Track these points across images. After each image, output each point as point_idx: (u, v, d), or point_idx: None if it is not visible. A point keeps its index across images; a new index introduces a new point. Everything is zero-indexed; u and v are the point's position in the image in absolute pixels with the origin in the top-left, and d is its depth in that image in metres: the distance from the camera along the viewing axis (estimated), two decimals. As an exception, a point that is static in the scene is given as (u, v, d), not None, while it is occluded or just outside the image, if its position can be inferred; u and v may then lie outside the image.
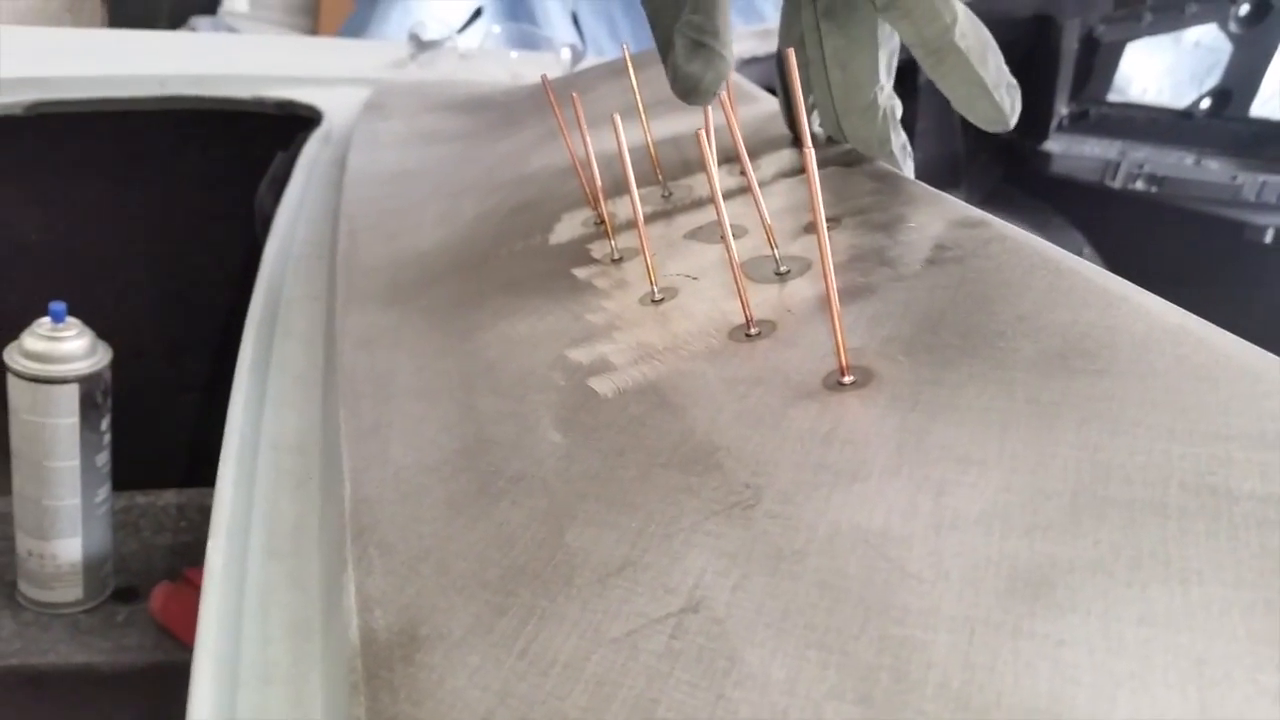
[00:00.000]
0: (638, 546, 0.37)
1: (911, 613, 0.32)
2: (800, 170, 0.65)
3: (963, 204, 0.55)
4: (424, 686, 0.33)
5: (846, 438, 0.40)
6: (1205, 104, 1.69)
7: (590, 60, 1.60)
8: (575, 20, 2.59)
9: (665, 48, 0.58)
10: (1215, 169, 1.61)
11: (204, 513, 1.43)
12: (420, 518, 0.41)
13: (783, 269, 0.53)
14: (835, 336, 0.43)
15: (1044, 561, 0.32)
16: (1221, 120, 1.67)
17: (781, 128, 0.72)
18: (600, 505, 0.40)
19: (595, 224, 0.67)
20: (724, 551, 0.36)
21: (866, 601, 0.33)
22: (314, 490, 0.51)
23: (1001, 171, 1.68)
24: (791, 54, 0.54)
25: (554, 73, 0.78)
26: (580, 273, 0.60)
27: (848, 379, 0.43)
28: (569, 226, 0.68)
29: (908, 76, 1.45)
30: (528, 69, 1.48)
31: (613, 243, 0.62)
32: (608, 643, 0.34)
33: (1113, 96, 1.70)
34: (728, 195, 0.62)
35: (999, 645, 0.30)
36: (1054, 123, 1.62)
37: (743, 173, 0.65)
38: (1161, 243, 1.63)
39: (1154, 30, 1.61)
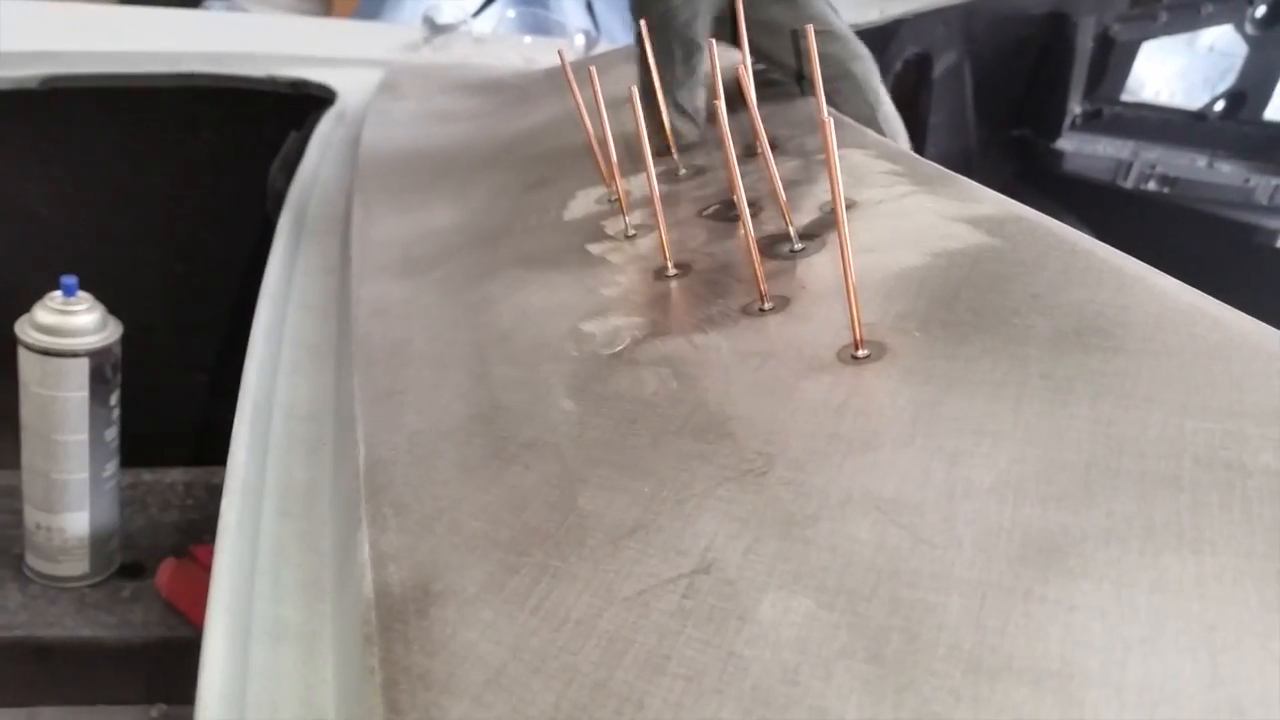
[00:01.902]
0: (650, 510, 0.38)
1: (923, 577, 0.32)
2: (813, 153, 0.65)
3: (978, 186, 0.55)
4: (437, 639, 0.33)
5: (859, 409, 0.40)
6: (1219, 106, 1.68)
7: (603, 48, 1.60)
8: (589, 7, 2.60)
9: (664, 92, 0.70)
10: (1228, 172, 1.61)
11: (211, 490, 1.43)
12: (434, 479, 0.42)
13: (797, 246, 0.53)
14: (850, 310, 0.43)
15: (1056, 530, 0.32)
16: (1235, 123, 1.67)
17: (797, 112, 0.72)
18: (612, 470, 0.40)
19: (609, 201, 0.67)
20: (736, 516, 0.36)
21: (878, 565, 0.33)
22: (326, 456, 0.51)
23: (1013, 168, 1.68)
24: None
25: (569, 58, 0.78)
26: (594, 248, 0.61)
27: (861, 352, 0.43)
28: (583, 204, 0.68)
29: (922, 69, 1.45)
30: (541, 54, 1.48)
31: (626, 219, 0.62)
32: (620, 601, 0.34)
33: (1126, 97, 1.70)
34: (742, 175, 0.62)
35: (1010, 609, 0.30)
36: (1067, 121, 1.62)
37: (759, 153, 0.65)
38: (1172, 244, 1.63)
39: (1170, 30, 1.61)
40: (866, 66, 0.74)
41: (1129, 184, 1.61)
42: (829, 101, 0.61)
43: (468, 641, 0.33)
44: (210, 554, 1.23)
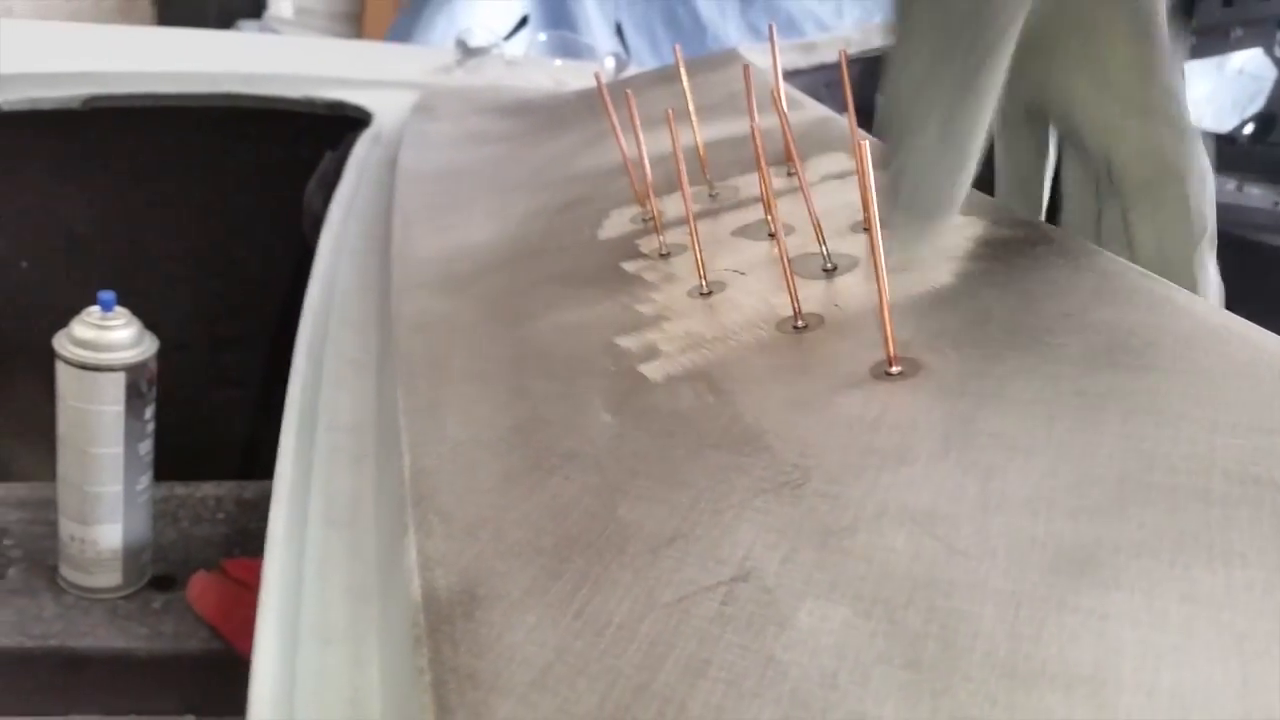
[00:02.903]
0: (688, 520, 0.39)
1: (959, 586, 0.33)
2: (845, 174, 0.66)
3: (1009, 208, 0.56)
4: (484, 640, 0.34)
5: (894, 424, 0.41)
6: (1248, 130, 1.68)
7: (632, 71, 1.62)
8: (619, 31, 2.63)
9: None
10: (1257, 195, 1.60)
11: (242, 505, 1.45)
12: (476, 488, 0.43)
13: (830, 265, 0.54)
14: (884, 327, 0.44)
15: (1089, 542, 0.33)
16: (1265, 146, 1.66)
17: (826, 132, 0.73)
18: (651, 482, 0.41)
19: (643, 220, 0.68)
20: (773, 526, 0.37)
21: (914, 575, 0.34)
22: (369, 466, 0.52)
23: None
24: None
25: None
26: (629, 266, 0.62)
27: (895, 369, 0.44)
28: (617, 223, 0.69)
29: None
30: (571, 77, 1.50)
31: (661, 238, 0.63)
32: (660, 607, 0.35)
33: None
34: (775, 195, 0.63)
35: (1044, 618, 0.31)
36: (1095, 144, 1.62)
37: (790, 173, 0.66)
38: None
39: (1198, 54, 1.61)
40: (1199, 184, 0.52)
41: (1157, 207, 1.61)
42: (1124, 218, 0.50)
43: (513, 643, 0.34)
44: (240, 568, 1.25)
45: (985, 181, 0.59)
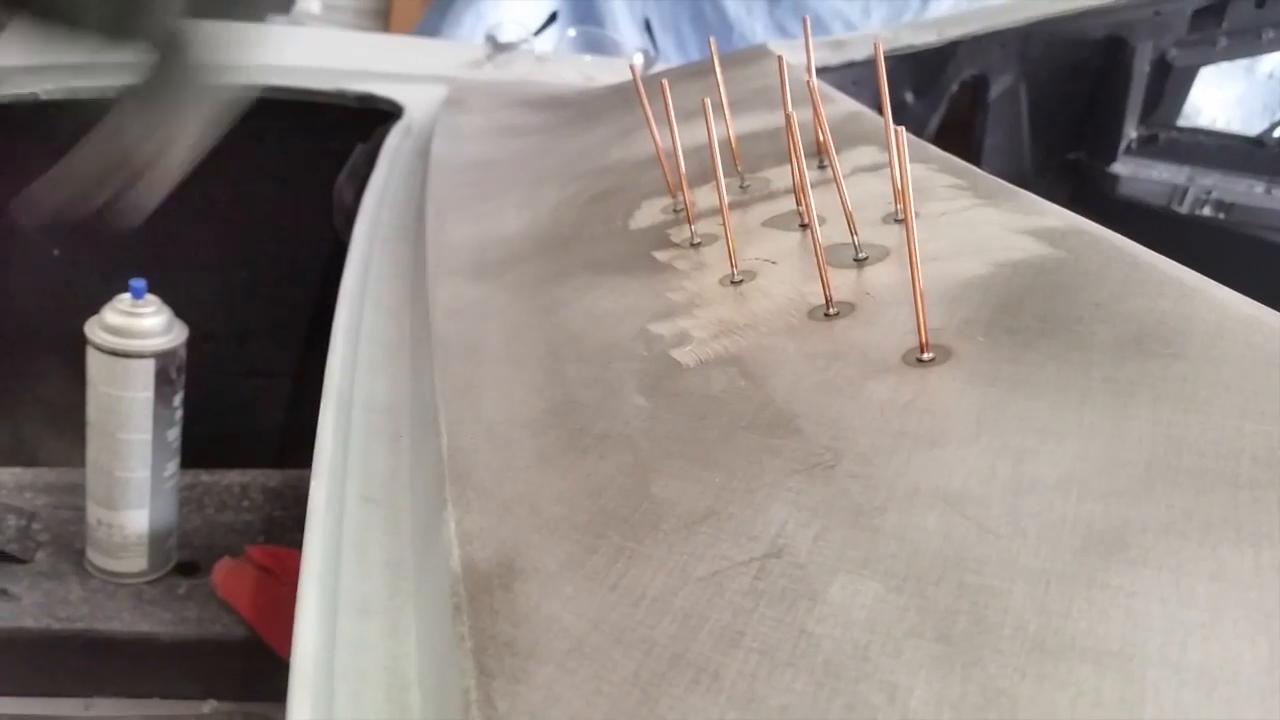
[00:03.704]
0: (721, 498, 0.39)
1: (989, 564, 0.33)
2: (876, 167, 0.66)
3: (1040, 199, 0.56)
4: (522, 610, 0.35)
5: (925, 408, 0.41)
6: (1278, 132, 1.68)
7: (660, 67, 1.63)
8: (647, 27, 2.64)
9: None
10: (1287, 198, 1.60)
11: (267, 493, 1.46)
12: (513, 466, 0.44)
13: (861, 255, 0.55)
14: (917, 313, 0.44)
15: (1118, 522, 0.34)
16: (1295, 149, 1.66)
17: (858, 126, 0.74)
18: (684, 461, 0.42)
19: (674, 211, 0.69)
20: (805, 505, 0.38)
21: (945, 553, 0.34)
22: (404, 446, 0.53)
23: (1068, 191, 1.68)
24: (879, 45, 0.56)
25: (628, 76, 0.81)
26: (660, 255, 0.63)
27: (927, 355, 0.44)
28: (648, 213, 0.70)
29: (979, 91, 1.46)
30: (600, 72, 1.51)
31: (692, 228, 0.64)
32: (694, 581, 0.35)
33: (1182, 122, 1.69)
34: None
35: (1074, 595, 0.31)
36: (1123, 145, 1.62)
37: (822, 165, 0.67)
38: (1228, 269, 1.61)
39: (1229, 55, 1.60)
40: None
41: (1184, 209, 1.61)
42: None
43: (550, 613, 0.35)
44: (265, 555, 1.26)
45: (1009, 179, 0.60)
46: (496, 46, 1.60)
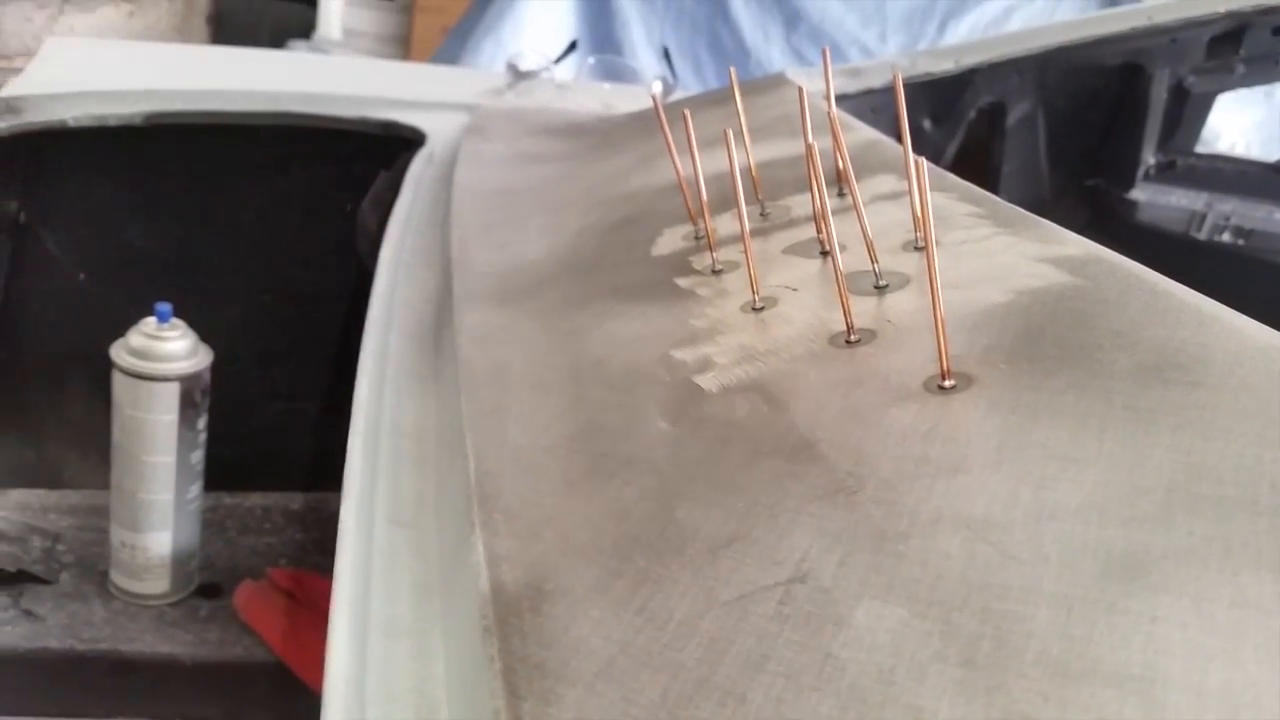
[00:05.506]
0: (745, 523, 0.40)
1: (1012, 590, 0.34)
2: (895, 195, 0.67)
3: (1060, 228, 0.57)
4: (551, 633, 0.35)
5: (947, 435, 0.42)
6: (1296, 159, 1.67)
7: (678, 95, 1.64)
8: (666, 55, 2.66)
9: None
10: (1307, 224, 1.60)
11: (289, 516, 1.47)
12: (539, 490, 0.44)
13: (882, 282, 0.56)
14: (939, 341, 0.45)
15: (1139, 549, 0.34)
16: (1314, 176, 1.65)
17: (877, 155, 0.75)
18: (708, 487, 0.43)
19: (696, 238, 0.69)
20: (828, 531, 0.38)
21: (968, 579, 0.35)
22: (430, 470, 0.54)
23: (1086, 218, 1.68)
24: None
25: (647, 104, 0.82)
26: (682, 282, 0.63)
27: (948, 382, 0.45)
28: (670, 240, 0.71)
29: (996, 118, 1.47)
30: (620, 100, 1.52)
31: (713, 255, 0.64)
32: (719, 605, 0.36)
33: (1200, 149, 1.70)
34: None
35: (1095, 620, 0.32)
36: (1140, 171, 1.62)
37: (842, 193, 0.67)
38: (1246, 296, 1.61)
39: (1246, 82, 1.61)
40: None
41: (1203, 235, 1.61)
42: None
43: (579, 636, 0.35)
44: (286, 578, 1.27)
45: (1028, 206, 0.60)
46: (517, 74, 1.62)
